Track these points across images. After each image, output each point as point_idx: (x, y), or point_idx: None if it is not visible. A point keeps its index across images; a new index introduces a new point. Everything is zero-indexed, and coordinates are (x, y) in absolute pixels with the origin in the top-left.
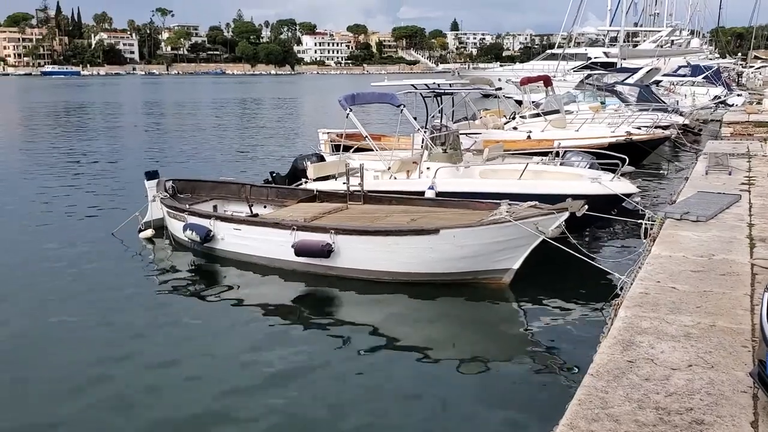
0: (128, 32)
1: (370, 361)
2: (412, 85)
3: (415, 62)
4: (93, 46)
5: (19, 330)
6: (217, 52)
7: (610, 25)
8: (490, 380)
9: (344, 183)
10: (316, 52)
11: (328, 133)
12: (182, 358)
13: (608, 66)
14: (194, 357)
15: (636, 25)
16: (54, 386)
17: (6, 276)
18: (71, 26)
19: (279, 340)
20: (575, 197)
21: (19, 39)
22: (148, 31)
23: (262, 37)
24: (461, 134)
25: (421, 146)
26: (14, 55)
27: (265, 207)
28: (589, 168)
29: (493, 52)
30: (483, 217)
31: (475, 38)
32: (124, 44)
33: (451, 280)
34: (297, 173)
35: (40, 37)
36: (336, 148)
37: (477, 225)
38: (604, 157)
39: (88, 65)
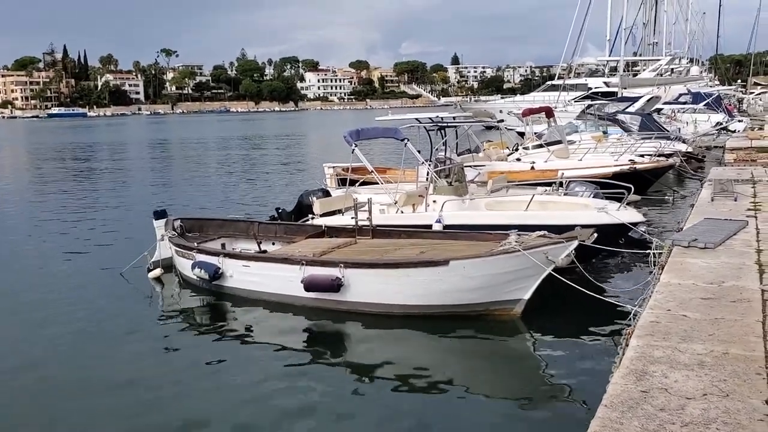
0: (133, 73)
1: (380, 396)
2: (416, 118)
3: (417, 96)
4: (99, 87)
5: (28, 369)
6: (222, 91)
7: (610, 55)
8: (502, 413)
9: (352, 218)
10: (319, 88)
11: (333, 167)
12: (192, 396)
13: (609, 96)
14: (204, 395)
15: (635, 54)
16: (63, 426)
17: (15, 317)
18: (78, 68)
19: (290, 376)
20: (583, 227)
21: (26, 82)
22: (153, 72)
23: (265, 75)
24: (465, 166)
25: (426, 179)
26: (21, 98)
27: (273, 244)
28: (594, 197)
29: (494, 85)
30: (492, 248)
31: (475, 71)
32: (130, 85)
33: (461, 311)
34: (303, 209)
35: (47, 80)
36: (341, 183)
37: (487, 255)
38: (609, 186)
39: (95, 106)
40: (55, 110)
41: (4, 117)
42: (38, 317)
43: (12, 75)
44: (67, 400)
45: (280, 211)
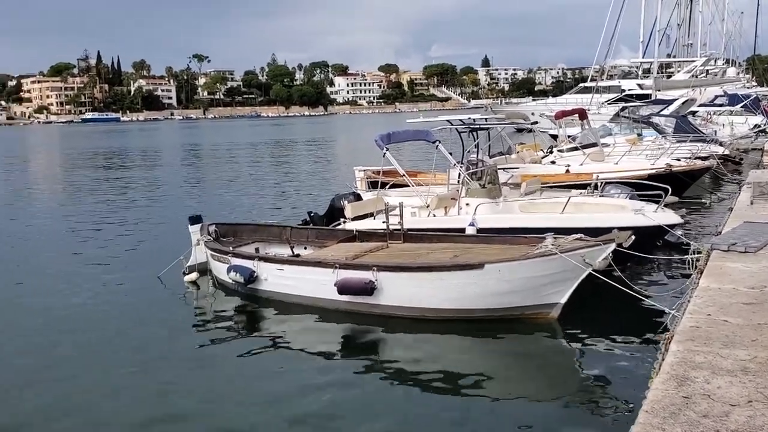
0: (166, 78)
1: (414, 400)
2: (448, 120)
3: (446, 99)
4: (132, 92)
5: (64, 371)
6: (252, 96)
7: (643, 57)
8: (540, 419)
9: (383, 221)
10: (348, 92)
11: (364, 170)
12: (226, 398)
13: (643, 98)
14: (238, 397)
15: (669, 56)
16: (97, 428)
17: (52, 320)
18: (111, 74)
19: (324, 379)
20: (620, 229)
21: (61, 88)
22: (186, 77)
23: (295, 80)
24: (498, 169)
25: (458, 182)
26: (57, 103)
27: (305, 248)
28: (630, 200)
29: (525, 87)
30: (527, 251)
31: (506, 73)
32: (162, 90)
33: (496, 315)
34: (334, 212)
35: (82, 85)
36: (372, 186)
37: (522, 259)
38: (645, 188)
39: (128, 111)
40: (89, 115)
41: (39, 122)
42: (75, 320)
43: (47, 81)
44: (103, 402)
45: (312, 215)
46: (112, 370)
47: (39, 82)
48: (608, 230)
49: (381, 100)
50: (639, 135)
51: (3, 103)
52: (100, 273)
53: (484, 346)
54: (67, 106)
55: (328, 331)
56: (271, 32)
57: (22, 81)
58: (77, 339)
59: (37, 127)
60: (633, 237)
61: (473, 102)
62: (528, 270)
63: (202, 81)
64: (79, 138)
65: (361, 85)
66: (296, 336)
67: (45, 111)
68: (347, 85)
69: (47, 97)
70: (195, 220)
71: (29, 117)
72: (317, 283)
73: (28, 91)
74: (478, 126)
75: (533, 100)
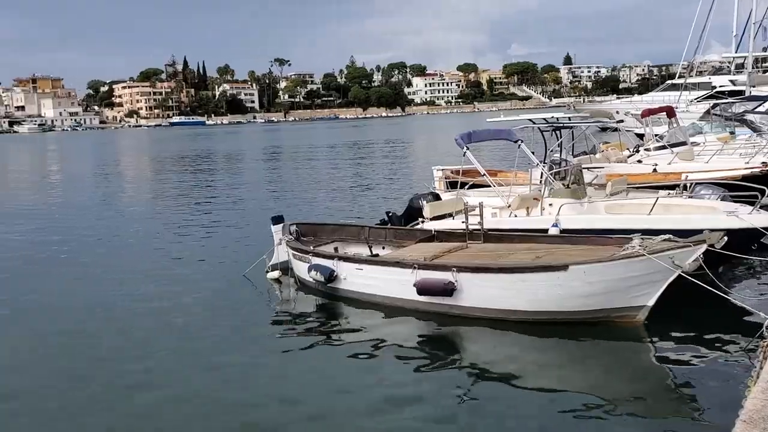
0: (249, 83)
1: (492, 403)
2: (530, 119)
3: (527, 98)
4: (217, 96)
5: (149, 364)
6: (331, 98)
7: (736, 52)
8: (625, 428)
9: (462, 222)
10: (426, 92)
11: (442, 170)
12: (304, 396)
13: (735, 94)
14: (316, 395)
15: (765, 50)
16: (180, 420)
17: (140, 315)
18: (197, 79)
19: (401, 378)
20: (711, 231)
21: (150, 93)
22: (267, 81)
23: (373, 81)
24: (582, 168)
25: (540, 182)
26: (146, 107)
27: (383, 248)
28: (722, 201)
29: (609, 85)
30: (613, 252)
31: (589, 71)
32: (245, 94)
33: (580, 318)
34: (413, 212)
35: (169, 90)
36: (451, 186)
37: (608, 260)
38: (739, 189)
39: (212, 115)
40: (176, 119)
41: (130, 126)
42: (164, 315)
43: (137, 86)
44: (185, 396)
45: (390, 215)
46: (200, 363)
47: (129, 87)
48: (699, 232)
49: (459, 100)
50: (732, 133)
51: (96, 107)
52: (187, 270)
53: (567, 350)
54: (156, 111)
55: (407, 332)
56: (350, 34)
57: (113, 86)
58: (162, 333)
59: (128, 130)
60: (726, 238)
61: (555, 101)
62: (614, 272)
63: (283, 84)
64: (167, 141)
65: (439, 85)
66: (375, 335)
67: (135, 115)
68: (425, 86)
69: (137, 101)
70: (277, 220)
71: (120, 121)
72: (396, 283)
73: (119, 96)
74: (561, 125)
75: (618, 98)
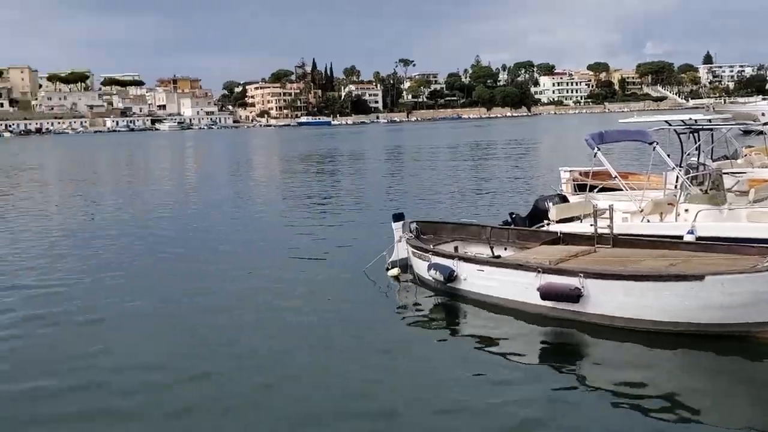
0: (373, 83)
1: (615, 418)
2: (666, 120)
3: (661, 98)
4: (342, 97)
5: (271, 357)
6: (455, 98)
7: None
8: None
9: (591, 225)
10: (553, 92)
11: (570, 171)
12: (418, 395)
13: None
14: (430, 396)
15: None
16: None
17: (264, 308)
18: (324, 80)
19: (521, 384)
20: None
21: (280, 93)
22: (392, 81)
23: (498, 81)
24: (723, 173)
25: (676, 186)
26: (276, 108)
27: (505, 249)
28: None
29: (753, 85)
30: (756, 263)
31: (731, 71)
32: (370, 94)
33: (716, 332)
34: (538, 214)
35: (298, 91)
36: (579, 188)
37: (751, 271)
38: None
39: (338, 115)
40: (303, 119)
41: (261, 125)
42: (283, 309)
43: (269, 87)
44: (308, 387)
45: (513, 216)
46: (320, 356)
47: (261, 88)
48: None
49: (588, 100)
50: None
51: (230, 107)
52: (314, 266)
53: (701, 365)
54: (285, 111)
55: (528, 337)
56: (476, 34)
57: (247, 87)
58: (283, 326)
59: (259, 129)
60: None
61: (692, 102)
62: (756, 284)
63: (406, 85)
64: (295, 140)
65: (567, 85)
66: (494, 338)
67: (266, 115)
68: (552, 85)
69: (268, 102)
70: (398, 217)
71: (252, 120)
72: (519, 286)
73: (252, 97)
74: (700, 127)
75: (763, 99)
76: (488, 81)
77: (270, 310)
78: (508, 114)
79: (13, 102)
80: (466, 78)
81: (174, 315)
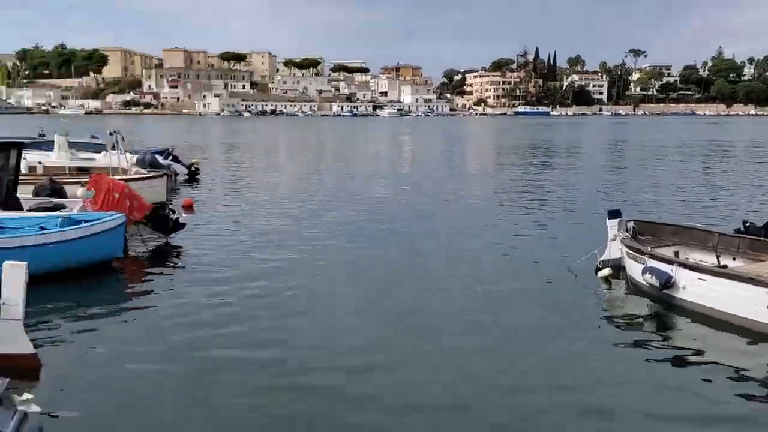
0: (599, 74)
1: None
2: None
3: None
4: (564, 87)
5: (463, 340)
6: (689, 92)
7: None
8: None
9: None
10: None
11: None
12: (619, 406)
13: None
14: (632, 408)
15: None
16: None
17: (478, 298)
18: (546, 69)
19: (746, 411)
20: None
21: (499, 82)
22: (619, 72)
23: (743, 75)
24: None
25: None
26: (494, 96)
27: (734, 259)
28: None
29: None
30: None
31: None
32: (594, 86)
33: None
34: None
35: (518, 80)
36: None
37: None
38: None
39: (558, 105)
40: (520, 108)
41: (477, 114)
42: (494, 298)
43: (488, 75)
44: (504, 380)
45: (747, 224)
46: (518, 350)
47: (480, 76)
48: None
49: None
50: None
51: (448, 95)
52: (521, 258)
53: None
54: (502, 99)
55: (755, 357)
56: (719, 24)
57: (466, 75)
58: (493, 317)
59: (475, 118)
60: None
61: None
62: None
63: (635, 76)
64: (513, 130)
65: None
66: (715, 357)
67: (482, 103)
68: None
69: (486, 90)
70: (614, 214)
71: (468, 108)
72: (747, 302)
73: (470, 85)
74: None
75: None
76: (731, 75)
77: (476, 300)
78: (752, 112)
79: (253, 84)
80: (704, 71)
81: (385, 303)
